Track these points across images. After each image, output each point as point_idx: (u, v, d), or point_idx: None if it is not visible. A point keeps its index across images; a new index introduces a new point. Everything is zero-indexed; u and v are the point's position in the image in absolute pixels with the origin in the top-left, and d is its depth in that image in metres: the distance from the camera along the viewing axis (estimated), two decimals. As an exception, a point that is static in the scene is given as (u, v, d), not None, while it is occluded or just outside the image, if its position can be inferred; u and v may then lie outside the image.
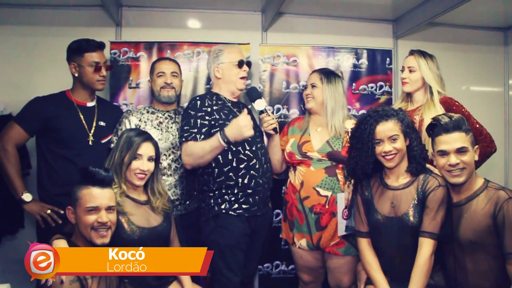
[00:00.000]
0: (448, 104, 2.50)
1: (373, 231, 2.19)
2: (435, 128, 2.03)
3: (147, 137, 2.20)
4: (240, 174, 2.39)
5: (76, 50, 2.56)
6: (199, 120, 2.41)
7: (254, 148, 2.46)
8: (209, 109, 2.45)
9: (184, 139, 2.40)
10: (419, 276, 1.98)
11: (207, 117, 2.42)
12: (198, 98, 2.52)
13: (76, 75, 2.58)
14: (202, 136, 2.39)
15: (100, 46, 2.60)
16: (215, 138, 2.31)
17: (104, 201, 1.86)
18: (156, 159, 2.21)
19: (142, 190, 2.22)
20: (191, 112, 2.44)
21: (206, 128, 2.40)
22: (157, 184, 2.24)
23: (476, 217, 1.94)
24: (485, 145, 2.44)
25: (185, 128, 2.41)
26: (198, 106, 2.46)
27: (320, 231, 2.49)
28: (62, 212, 2.36)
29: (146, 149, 2.16)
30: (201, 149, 2.34)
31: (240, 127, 2.29)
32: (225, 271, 2.37)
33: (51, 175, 2.51)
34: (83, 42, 2.57)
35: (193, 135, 2.38)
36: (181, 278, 2.27)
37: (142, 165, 2.13)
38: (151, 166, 2.17)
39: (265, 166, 2.49)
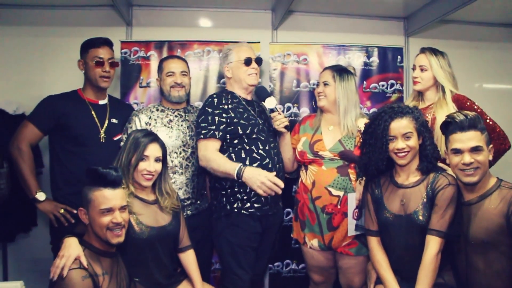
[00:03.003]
0: (461, 102, 2.48)
1: (383, 229, 2.19)
2: (450, 126, 2.01)
3: (153, 138, 2.21)
4: None
5: (83, 47, 2.61)
6: (216, 118, 2.42)
7: (267, 148, 2.45)
8: (225, 107, 2.45)
9: (202, 136, 2.40)
10: (426, 274, 1.98)
11: (224, 115, 2.43)
12: (215, 96, 2.53)
13: (83, 71, 2.62)
14: (221, 133, 2.40)
15: (105, 43, 2.62)
16: (232, 166, 2.28)
17: (117, 202, 1.87)
18: (163, 159, 2.22)
19: (150, 190, 2.24)
20: (208, 109, 2.45)
21: (224, 125, 2.41)
22: (165, 184, 2.25)
23: (489, 216, 1.92)
24: (498, 143, 2.41)
25: (203, 125, 2.42)
26: (215, 104, 2.46)
27: (332, 231, 2.48)
28: (75, 211, 2.37)
29: (153, 150, 2.17)
30: (216, 164, 2.34)
31: (259, 179, 2.21)
32: (236, 269, 2.38)
33: (64, 174, 2.53)
34: (91, 39, 2.61)
35: (212, 132, 2.39)
36: (191, 276, 2.28)
37: (149, 166, 2.14)
38: (158, 166, 2.18)
39: (277, 165, 2.49)
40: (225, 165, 2.32)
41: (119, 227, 1.86)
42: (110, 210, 1.85)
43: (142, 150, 2.14)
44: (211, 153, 2.37)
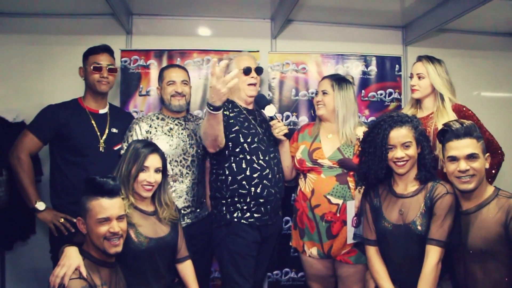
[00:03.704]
0: (462, 114, 2.48)
1: (381, 238, 2.19)
2: (446, 134, 2.02)
3: (154, 148, 2.20)
4: (253, 183, 2.40)
5: (85, 55, 2.64)
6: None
7: (267, 158, 2.46)
8: (226, 113, 2.47)
9: None
10: (426, 284, 1.98)
11: (225, 118, 2.42)
12: None
13: (83, 78, 2.64)
14: (226, 132, 2.37)
15: (105, 49, 2.64)
16: (206, 111, 2.20)
17: (115, 211, 1.87)
18: (163, 170, 2.22)
19: (149, 201, 2.23)
20: None
21: (225, 124, 2.37)
22: (164, 195, 2.25)
23: (487, 225, 1.93)
24: (495, 156, 2.43)
25: None
26: None
27: (331, 240, 2.48)
28: (75, 220, 2.36)
29: (153, 161, 2.16)
30: (202, 126, 2.32)
31: (216, 88, 2.07)
32: (237, 277, 2.38)
33: (64, 183, 2.53)
34: (92, 47, 2.63)
35: None
36: (189, 287, 2.27)
37: (149, 177, 2.14)
38: (158, 177, 2.18)
39: (277, 176, 2.49)
40: (204, 118, 2.28)
41: (116, 237, 1.86)
42: (107, 220, 1.84)
43: (142, 161, 2.14)
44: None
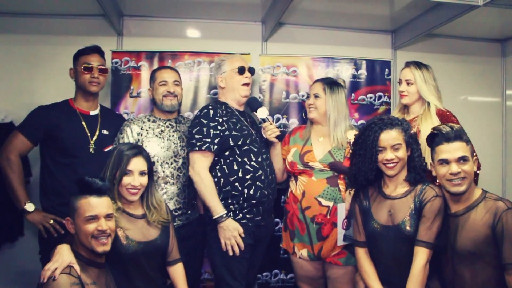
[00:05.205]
0: (445, 118, 2.52)
1: (371, 239, 2.21)
2: (436, 138, 2.05)
3: (137, 151, 2.17)
4: (246, 184, 2.41)
5: (75, 56, 2.62)
6: (211, 130, 2.41)
7: (259, 159, 2.47)
8: (220, 120, 2.45)
9: (197, 148, 2.39)
10: (414, 284, 2.00)
11: (219, 127, 2.43)
12: (210, 107, 2.52)
13: (73, 79, 2.62)
14: (216, 147, 2.39)
15: (95, 50, 2.63)
16: (218, 208, 2.36)
17: (103, 210, 1.86)
18: (149, 172, 2.19)
19: (139, 204, 2.20)
20: (204, 121, 2.44)
21: (219, 138, 2.41)
22: (151, 198, 2.22)
23: (475, 228, 1.95)
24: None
25: (198, 136, 2.40)
26: (210, 116, 2.45)
27: (321, 241, 2.49)
28: (64, 221, 2.36)
29: (137, 164, 2.14)
30: (205, 191, 2.39)
31: (231, 234, 2.35)
32: (230, 280, 2.38)
33: (54, 184, 2.51)
34: (82, 48, 2.62)
35: (207, 144, 2.38)
36: None
37: (134, 180, 2.11)
38: (143, 180, 2.15)
39: (269, 177, 2.50)
40: (212, 200, 2.37)
41: (104, 235, 1.85)
42: (95, 218, 1.84)
43: (125, 165, 2.11)
44: (206, 175, 2.39)
